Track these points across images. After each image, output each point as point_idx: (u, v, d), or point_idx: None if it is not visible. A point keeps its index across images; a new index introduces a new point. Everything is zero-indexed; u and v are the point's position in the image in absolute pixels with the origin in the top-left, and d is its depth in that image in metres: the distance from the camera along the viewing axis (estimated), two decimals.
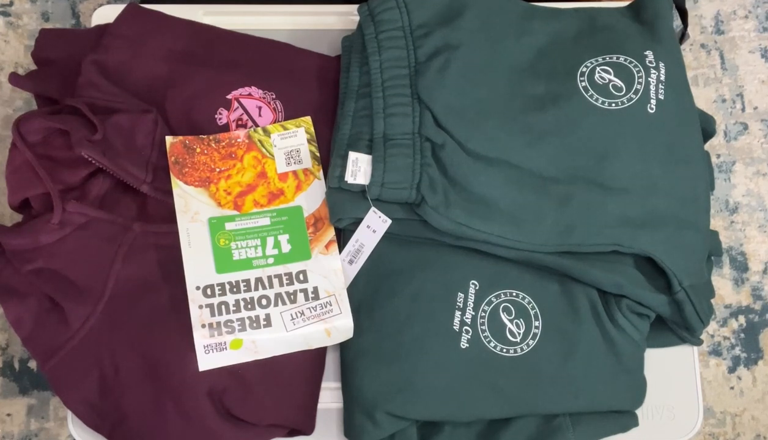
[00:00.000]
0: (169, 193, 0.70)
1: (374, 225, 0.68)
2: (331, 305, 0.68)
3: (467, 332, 0.68)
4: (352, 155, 0.68)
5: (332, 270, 0.69)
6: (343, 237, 0.71)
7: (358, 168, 0.68)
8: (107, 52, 0.73)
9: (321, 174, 0.73)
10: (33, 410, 0.85)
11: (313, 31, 0.80)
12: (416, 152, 0.67)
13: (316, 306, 0.67)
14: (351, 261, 0.70)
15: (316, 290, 0.68)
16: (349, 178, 0.68)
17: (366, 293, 0.70)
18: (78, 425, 0.70)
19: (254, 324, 0.66)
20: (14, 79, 0.72)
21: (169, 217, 0.70)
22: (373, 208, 0.68)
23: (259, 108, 0.75)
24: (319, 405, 0.71)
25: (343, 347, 0.70)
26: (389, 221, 0.68)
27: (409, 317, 0.68)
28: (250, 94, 0.75)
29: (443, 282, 0.69)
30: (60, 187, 0.68)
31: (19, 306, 0.67)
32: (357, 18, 0.75)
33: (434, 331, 0.68)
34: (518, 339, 0.69)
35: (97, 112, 0.69)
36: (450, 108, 0.69)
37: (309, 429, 0.70)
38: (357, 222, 0.69)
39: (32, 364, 0.86)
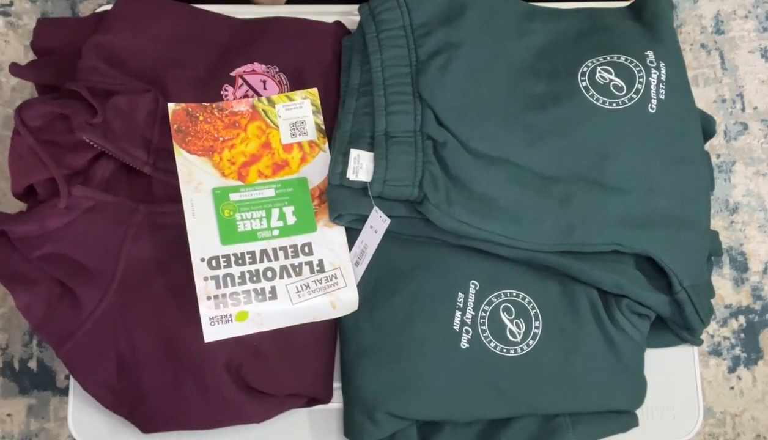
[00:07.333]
0: (173, 173, 0.70)
1: (376, 226, 0.68)
2: (336, 278, 0.67)
3: (467, 332, 0.68)
4: (354, 152, 0.68)
5: (337, 243, 0.69)
6: (348, 237, 0.71)
7: (360, 165, 0.68)
8: (108, 35, 0.72)
9: (326, 146, 0.72)
10: (33, 410, 0.85)
11: None
12: (418, 150, 0.67)
13: (321, 279, 0.67)
14: (357, 263, 0.70)
15: (321, 263, 0.68)
16: (351, 175, 0.68)
17: (366, 292, 0.70)
18: (78, 425, 0.70)
19: (260, 297, 0.66)
20: (14, 69, 0.72)
21: (174, 196, 0.69)
22: (375, 208, 0.67)
23: (264, 82, 0.74)
24: (320, 406, 0.71)
25: (344, 347, 0.70)
26: (388, 220, 0.68)
27: (410, 317, 0.68)
28: (253, 70, 0.74)
29: (443, 282, 0.69)
30: (65, 172, 0.67)
31: (29, 293, 0.66)
32: (357, 18, 0.75)
33: (434, 331, 0.68)
34: (518, 340, 0.69)
35: (97, 96, 0.69)
36: (451, 106, 0.69)
37: (326, 397, 0.70)
38: (357, 219, 0.69)
39: (32, 364, 0.86)
